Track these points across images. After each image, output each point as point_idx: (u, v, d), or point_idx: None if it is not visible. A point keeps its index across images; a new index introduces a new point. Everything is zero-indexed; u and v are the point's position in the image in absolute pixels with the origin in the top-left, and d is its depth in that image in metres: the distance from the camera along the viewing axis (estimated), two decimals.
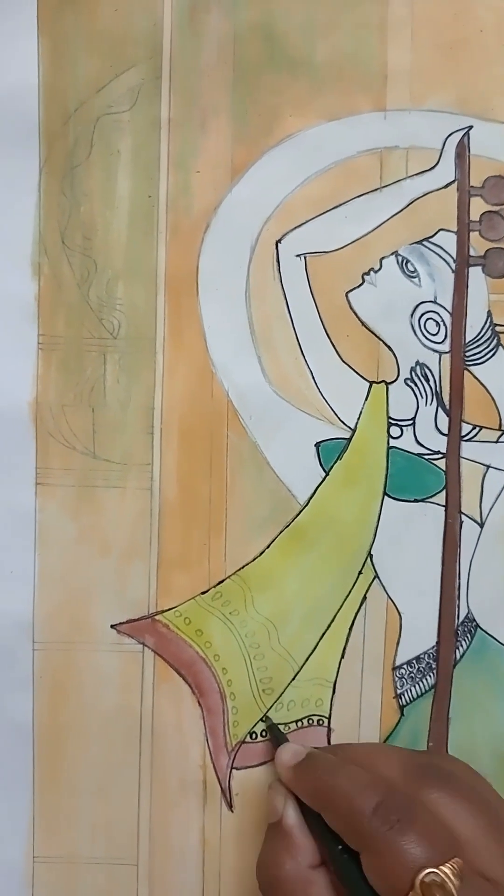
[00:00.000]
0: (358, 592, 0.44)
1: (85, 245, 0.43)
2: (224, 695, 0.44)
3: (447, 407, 0.44)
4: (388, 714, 0.44)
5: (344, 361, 0.44)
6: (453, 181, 0.43)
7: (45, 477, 0.44)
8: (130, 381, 0.44)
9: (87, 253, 0.43)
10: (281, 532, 0.44)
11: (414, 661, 0.44)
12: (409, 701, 0.44)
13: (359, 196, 0.43)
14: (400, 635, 0.44)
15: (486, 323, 0.44)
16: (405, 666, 0.44)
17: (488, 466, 0.44)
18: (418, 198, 0.43)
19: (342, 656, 0.44)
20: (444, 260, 0.44)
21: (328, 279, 0.44)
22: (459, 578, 0.44)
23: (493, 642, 0.44)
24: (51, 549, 0.44)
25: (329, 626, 0.44)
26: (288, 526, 0.44)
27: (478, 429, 0.44)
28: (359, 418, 0.44)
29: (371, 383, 0.44)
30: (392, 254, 0.44)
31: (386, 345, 0.44)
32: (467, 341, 0.44)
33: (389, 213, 0.43)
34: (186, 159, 0.43)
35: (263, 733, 0.44)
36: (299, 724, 0.44)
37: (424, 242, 0.44)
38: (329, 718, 0.44)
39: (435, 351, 0.44)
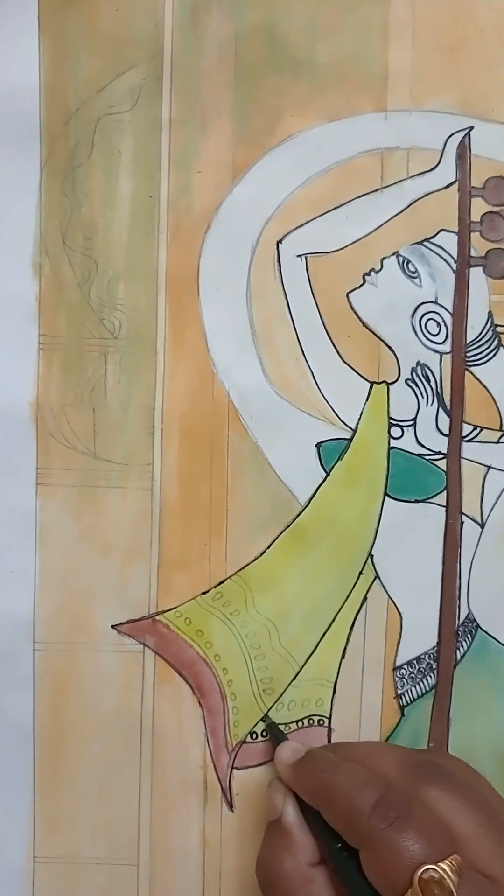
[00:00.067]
0: (358, 593, 0.44)
1: (86, 245, 0.43)
2: (224, 695, 0.44)
3: (448, 407, 0.44)
4: (388, 714, 0.44)
5: (345, 362, 0.44)
6: (454, 182, 0.43)
7: (45, 477, 0.44)
8: (131, 382, 0.44)
9: (88, 253, 0.43)
10: (282, 532, 0.44)
11: (414, 662, 0.44)
12: (409, 701, 0.44)
13: (360, 196, 0.43)
14: (400, 636, 0.44)
15: (486, 323, 0.44)
16: (406, 666, 0.44)
17: (489, 467, 0.44)
18: (419, 198, 0.43)
19: (343, 656, 0.44)
20: (444, 260, 0.44)
21: (329, 279, 0.44)
22: (460, 579, 0.44)
23: (493, 643, 0.44)
24: (51, 549, 0.44)
25: (330, 626, 0.44)
26: (289, 526, 0.44)
27: (479, 429, 0.44)
28: (359, 419, 0.44)
29: (372, 384, 0.44)
30: (393, 254, 0.44)
31: (387, 345, 0.44)
32: (468, 342, 0.44)
33: (390, 214, 0.43)
34: (187, 159, 0.43)
35: (264, 733, 0.44)
36: (300, 724, 0.44)
37: (425, 243, 0.44)
38: (329, 719, 0.44)
39: (436, 351, 0.44)
